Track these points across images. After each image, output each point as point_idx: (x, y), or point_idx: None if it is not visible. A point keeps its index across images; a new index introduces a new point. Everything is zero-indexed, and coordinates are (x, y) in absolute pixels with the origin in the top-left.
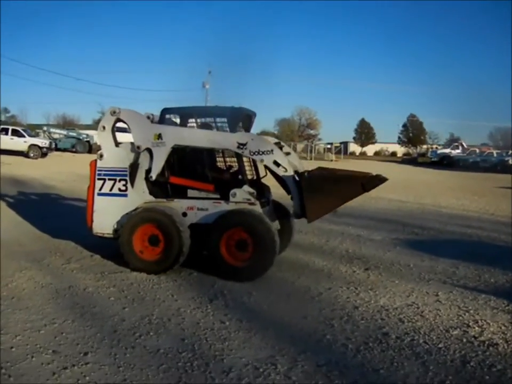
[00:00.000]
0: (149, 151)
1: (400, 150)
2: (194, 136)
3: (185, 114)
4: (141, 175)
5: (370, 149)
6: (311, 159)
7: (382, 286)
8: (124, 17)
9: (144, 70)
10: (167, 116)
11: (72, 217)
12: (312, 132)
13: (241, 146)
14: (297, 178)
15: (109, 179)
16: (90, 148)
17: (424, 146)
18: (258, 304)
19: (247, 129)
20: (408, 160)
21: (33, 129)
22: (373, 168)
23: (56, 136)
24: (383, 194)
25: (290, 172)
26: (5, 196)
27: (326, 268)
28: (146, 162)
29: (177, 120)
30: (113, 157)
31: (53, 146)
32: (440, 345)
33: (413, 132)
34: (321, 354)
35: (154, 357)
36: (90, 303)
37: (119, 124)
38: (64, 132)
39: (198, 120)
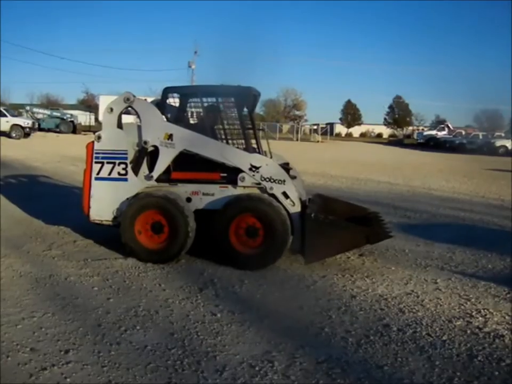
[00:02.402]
0: (155, 148)
1: (386, 132)
2: (207, 146)
3: (188, 93)
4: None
5: (356, 130)
6: (297, 140)
7: (378, 273)
8: None
9: (129, 49)
10: (170, 100)
11: (55, 200)
12: (298, 112)
13: (254, 169)
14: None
15: (108, 162)
16: (75, 128)
17: (410, 127)
18: (251, 293)
19: (251, 110)
20: (394, 141)
21: (16, 109)
22: (360, 149)
23: (39, 116)
24: (372, 176)
25: (298, 208)
26: None
27: None
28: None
29: (176, 100)
30: (113, 138)
31: (36, 126)
32: (444, 338)
33: (398, 114)
34: (320, 349)
35: (141, 355)
36: (72, 293)
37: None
38: (48, 112)
39: (204, 100)
